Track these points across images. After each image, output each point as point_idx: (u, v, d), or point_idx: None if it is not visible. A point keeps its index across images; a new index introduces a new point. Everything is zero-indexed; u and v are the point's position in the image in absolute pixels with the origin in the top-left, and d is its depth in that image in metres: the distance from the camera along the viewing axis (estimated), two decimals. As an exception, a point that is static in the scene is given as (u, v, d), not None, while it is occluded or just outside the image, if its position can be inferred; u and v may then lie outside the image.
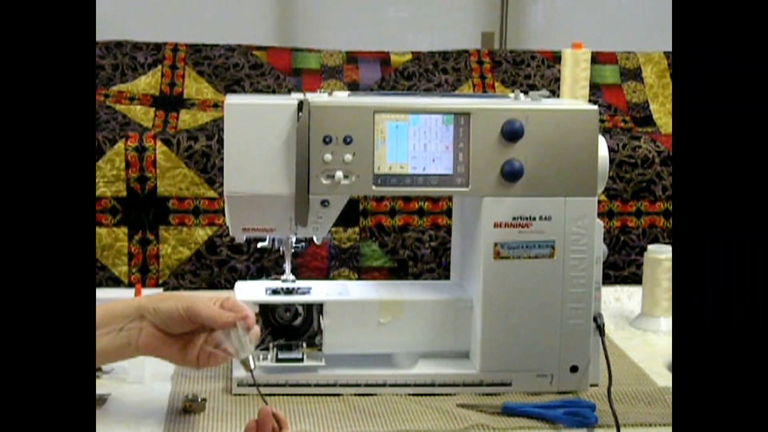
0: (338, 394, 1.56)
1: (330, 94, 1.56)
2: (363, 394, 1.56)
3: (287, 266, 1.61)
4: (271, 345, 1.57)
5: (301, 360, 1.57)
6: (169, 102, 2.70)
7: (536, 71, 2.89)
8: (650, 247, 1.95)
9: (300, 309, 1.59)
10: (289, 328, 1.59)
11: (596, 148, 1.57)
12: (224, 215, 1.60)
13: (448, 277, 1.81)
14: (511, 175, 1.53)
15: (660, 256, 1.92)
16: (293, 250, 1.60)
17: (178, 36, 2.89)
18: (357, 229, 2.39)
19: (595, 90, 2.84)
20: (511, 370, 1.58)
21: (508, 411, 1.50)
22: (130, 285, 2.28)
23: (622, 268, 2.45)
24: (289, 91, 2.66)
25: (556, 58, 2.88)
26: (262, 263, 2.35)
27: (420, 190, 1.56)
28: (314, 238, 1.59)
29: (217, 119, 2.62)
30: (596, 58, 2.86)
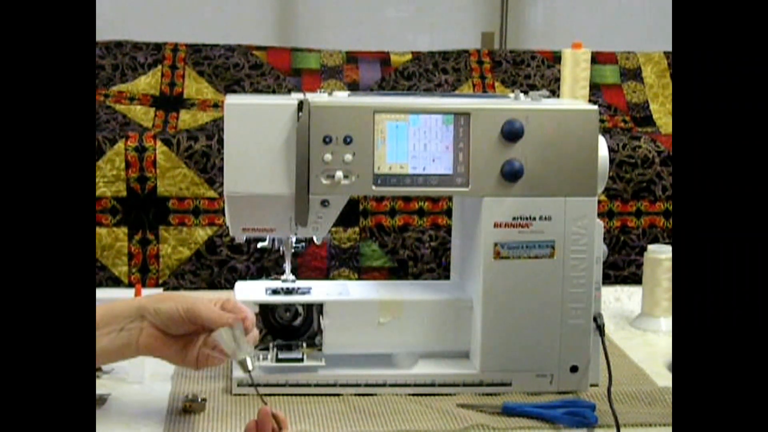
0: (338, 394, 1.56)
1: (330, 94, 1.56)
2: (363, 394, 1.56)
3: (287, 266, 1.61)
4: (271, 345, 1.57)
5: (301, 360, 1.57)
6: (169, 102, 2.70)
7: (536, 71, 2.89)
8: (650, 247, 1.95)
9: (300, 309, 1.59)
10: (289, 328, 1.59)
11: (596, 148, 1.57)
12: (224, 215, 1.60)
13: (448, 277, 1.81)
14: (511, 175, 1.53)
15: (660, 256, 1.92)
16: (293, 250, 1.60)
17: (178, 36, 2.89)
18: (357, 229, 2.39)
19: (595, 90, 2.84)
20: (511, 370, 1.58)
21: (508, 411, 1.50)
22: (130, 285, 2.28)
23: (622, 268, 2.46)
24: (289, 91, 2.66)
25: (556, 58, 2.88)
26: (262, 263, 2.35)
27: (420, 190, 1.56)
28: (314, 238, 1.59)
29: (217, 119, 2.62)
30: (596, 58, 2.86)
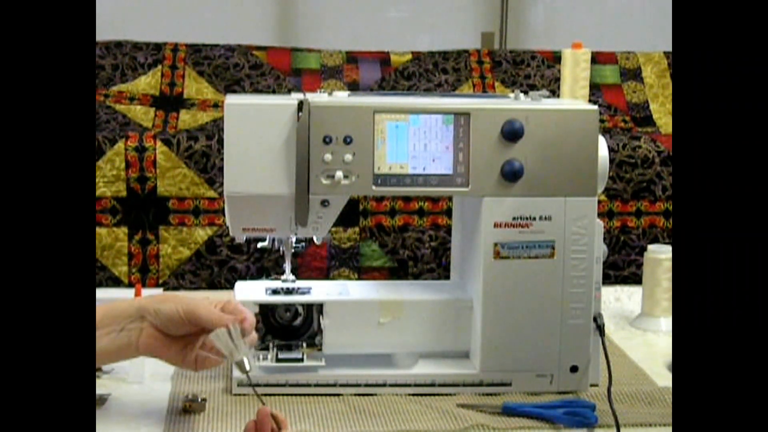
0: (338, 394, 1.56)
1: (330, 94, 1.56)
2: (363, 394, 1.56)
3: (287, 266, 1.61)
4: (271, 345, 1.57)
5: (301, 360, 1.57)
6: (169, 102, 2.70)
7: (536, 71, 2.89)
8: (650, 247, 1.95)
9: (300, 309, 1.59)
10: (289, 328, 1.59)
11: (596, 148, 1.57)
12: (224, 215, 1.60)
13: (448, 277, 1.81)
14: (511, 175, 1.53)
15: (660, 256, 1.92)
16: (293, 250, 1.60)
17: (178, 36, 2.89)
18: (357, 229, 2.39)
19: (595, 90, 2.84)
20: (511, 370, 1.58)
21: (508, 411, 1.50)
22: (130, 285, 2.28)
23: (622, 268, 2.46)
24: (289, 91, 2.66)
25: (556, 58, 2.88)
26: (262, 263, 2.35)
27: (420, 190, 1.56)
28: (314, 238, 1.59)
29: (217, 119, 2.62)
30: (596, 58, 2.86)
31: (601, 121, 2.70)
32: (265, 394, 1.52)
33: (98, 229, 2.29)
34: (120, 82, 2.72)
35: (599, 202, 1.61)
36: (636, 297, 2.03)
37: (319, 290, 1.62)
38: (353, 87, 2.77)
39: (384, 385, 1.57)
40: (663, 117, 2.84)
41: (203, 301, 1.40)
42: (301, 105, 1.51)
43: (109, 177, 2.29)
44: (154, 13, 3.19)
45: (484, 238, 1.55)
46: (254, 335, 1.40)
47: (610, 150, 1.95)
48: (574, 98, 1.85)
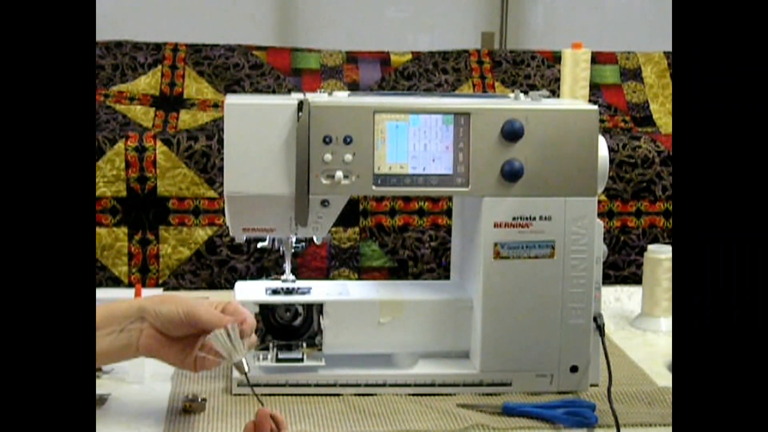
0: (338, 394, 1.56)
1: (330, 94, 1.56)
2: (363, 394, 1.56)
3: (287, 266, 1.61)
4: (271, 345, 1.57)
5: (301, 360, 1.57)
6: (169, 102, 2.70)
7: (536, 71, 2.89)
8: (650, 247, 1.95)
9: (300, 309, 1.59)
10: (289, 328, 1.59)
11: (596, 148, 1.57)
12: (224, 215, 1.60)
13: (448, 277, 1.81)
14: (511, 175, 1.53)
15: (660, 256, 1.92)
16: (293, 250, 1.60)
17: (178, 36, 2.89)
18: (357, 229, 2.39)
19: (595, 90, 2.84)
20: (511, 370, 1.58)
21: (508, 411, 1.50)
22: (130, 285, 2.28)
23: (622, 268, 2.46)
24: (289, 91, 2.66)
25: (556, 58, 2.88)
26: (262, 263, 2.35)
27: (420, 190, 1.56)
28: (314, 238, 1.59)
29: (217, 119, 2.62)
30: (596, 58, 2.86)
31: (601, 121, 2.70)
32: (265, 394, 1.52)
33: (98, 229, 2.29)
34: (120, 82, 2.72)
35: (599, 202, 1.61)
36: (636, 297, 2.03)
37: (319, 290, 1.62)
38: (353, 87, 2.77)
39: (384, 385, 1.57)
40: (663, 117, 2.84)
41: (203, 302, 1.40)
42: (301, 105, 1.51)
43: (109, 177, 2.29)
44: (154, 13, 3.19)
45: (484, 238, 1.55)
46: (254, 337, 1.40)
47: (610, 150, 1.95)
48: (574, 98, 1.85)
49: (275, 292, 1.60)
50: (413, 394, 1.56)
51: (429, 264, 2.41)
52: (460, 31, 3.37)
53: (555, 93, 1.87)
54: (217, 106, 2.68)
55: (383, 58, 2.88)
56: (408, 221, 2.40)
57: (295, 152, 1.50)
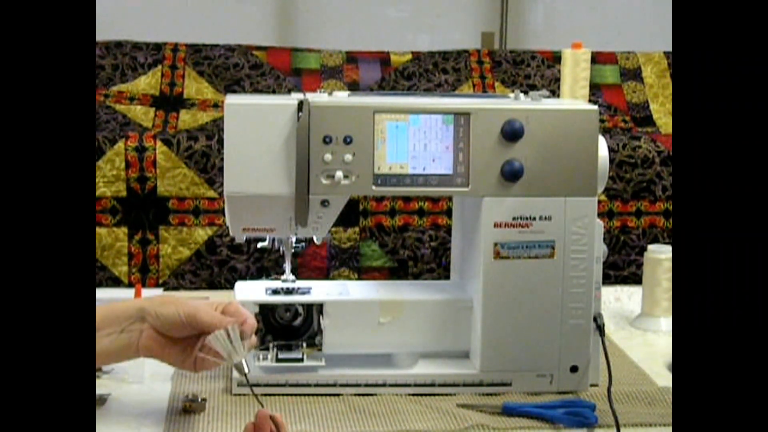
0: (338, 394, 1.56)
1: (330, 94, 1.56)
2: (363, 394, 1.56)
3: (287, 266, 1.61)
4: (271, 345, 1.57)
5: (301, 360, 1.57)
6: (169, 102, 2.70)
7: (536, 71, 2.89)
8: (650, 247, 1.95)
9: (300, 309, 1.59)
10: (289, 328, 1.59)
11: (596, 148, 1.57)
12: (224, 215, 1.60)
13: (448, 277, 1.81)
14: (511, 175, 1.53)
15: (660, 256, 1.92)
16: (293, 250, 1.60)
17: (178, 36, 2.89)
18: (357, 229, 2.39)
19: (595, 90, 2.84)
20: (511, 370, 1.58)
21: (508, 411, 1.50)
22: (130, 285, 2.28)
23: (622, 268, 2.46)
24: (289, 91, 2.66)
25: (556, 58, 2.88)
26: (262, 263, 2.35)
27: (420, 190, 1.56)
28: (314, 238, 1.59)
29: (217, 119, 2.62)
30: (596, 58, 2.86)
31: (601, 121, 2.71)
32: (265, 394, 1.52)
33: (98, 229, 2.29)
34: (120, 82, 2.72)
35: (599, 202, 1.61)
36: (636, 297, 2.03)
37: (319, 290, 1.62)
38: (353, 87, 2.77)
39: (384, 385, 1.57)
40: (663, 117, 2.84)
41: (204, 304, 1.40)
42: (301, 105, 1.51)
43: (109, 177, 2.29)
44: (154, 13, 3.19)
45: (484, 238, 1.55)
46: (254, 339, 1.40)
47: (610, 150, 1.95)
48: (574, 98, 1.85)
49: (275, 292, 1.60)
50: (413, 394, 1.56)
51: (429, 264, 2.41)
52: (460, 31, 3.37)
53: (555, 93, 1.87)
54: (217, 106, 2.68)
55: (383, 58, 2.88)
56: (408, 221, 2.40)
57: (295, 152, 1.50)
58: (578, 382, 1.59)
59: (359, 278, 2.38)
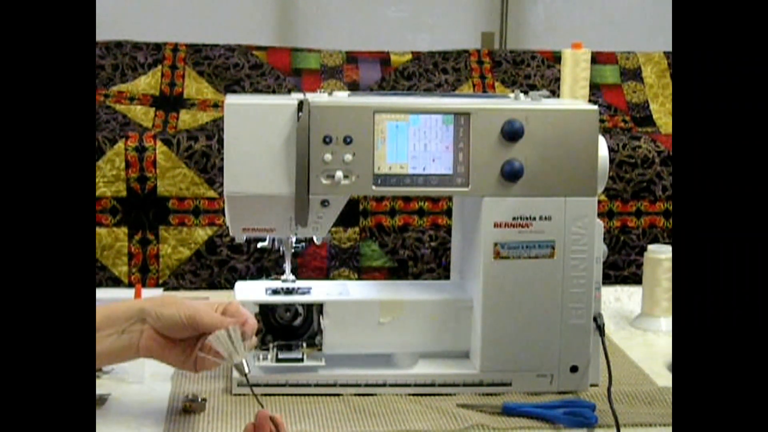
0: (338, 394, 1.56)
1: (330, 94, 1.56)
2: (363, 394, 1.56)
3: (287, 266, 1.61)
4: (271, 345, 1.57)
5: (301, 360, 1.57)
6: (169, 102, 2.70)
7: (536, 71, 2.89)
8: (650, 247, 1.95)
9: (300, 309, 1.59)
10: (289, 328, 1.59)
11: (596, 148, 1.57)
12: (224, 215, 1.60)
13: (448, 277, 1.81)
14: (511, 175, 1.53)
15: (660, 256, 1.92)
16: (293, 250, 1.60)
17: (178, 36, 2.89)
18: (357, 229, 2.39)
19: (595, 90, 2.84)
20: (511, 370, 1.58)
21: (508, 411, 1.50)
22: (130, 285, 2.28)
23: (622, 268, 2.46)
24: (289, 91, 2.66)
25: (556, 58, 2.88)
26: (262, 263, 2.35)
27: (420, 190, 1.56)
28: (314, 238, 1.59)
29: (217, 119, 2.62)
30: (596, 58, 2.86)
31: (601, 121, 2.70)
32: (265, 394, 1.52)
33: (98, 229, 2.29)
34: (120, 82, 2.72)
35: (599, 202, 1.61)
36: (636, 297, 2.03)
37: (319, 290, 1.62)
38: (353, 87, 2.77)
39: (384, 385, 1.57)
40: (663, 117, 2.84)
41: (204, 304, 1.39)
42: (301, 105, 1.51)
43: (109, 177, 2.29)
44: (154, 13, 3.19)
45: (484, 238, 1.55)
46: (254, 339, 1.40)
47: (610, 150, 1.95)
48: (574, 98, 1.85)
49: (275, 292, 1.60)
50: (413, 394, 1.56)
51: (429, 264, 2.41)
52: (460, 31, 3.37)
53: (555, 93, 1.88)
54: (217, 106, 2.68)
55: (383, 58, 2.88)
56: (408, 221, 2.40)
57: (295, 152, 1.50)
58: (578, 382, 1.59)
59: (359, 278, 2.38)
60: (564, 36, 3.06)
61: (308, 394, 1.55)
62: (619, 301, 2.10)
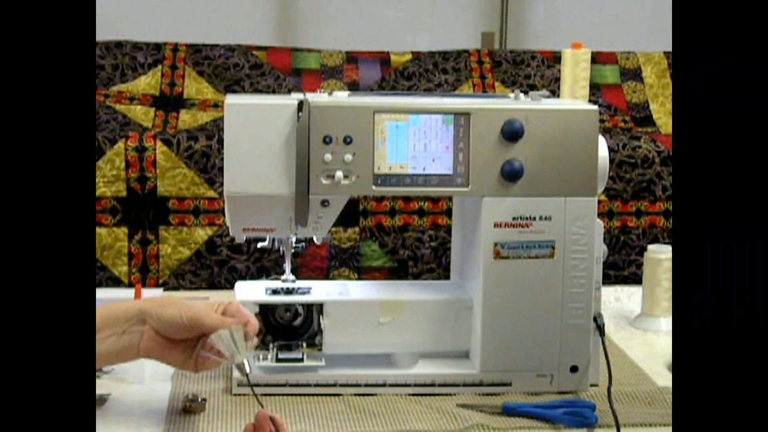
0: (338, 394, 1.56)
1: (330, 94, 1.56)
2: (363, 394, 1.56)
3: (287, 266, 1.61)
4: (271, 345, 1.57)
5: (301, 360, 1.57)
6: (169, 102, 2.70)
7: (536, 71, 2.89)
8: (650, 247, 1.95)
9: (300, 309, 1.59)
10: (289, 328, 1.59)
11: (596, 148, 1.57)
12: (224, 215, 1.60)
13: (448, 277, 1.81)
14: (511, 175, 1.53)
15: (660, 256, 1.92)
16: (293, 250, 1.60)
17: (178, 36, 2.89)
18: (357, 229, 2.39)
19: (595, 90, 2.84)
20: (511, 370, 1.58)
21: (508, 411, 1.50)
22: (130, 285, 2.28)
23: (622, 268, 2.46)
24: (289, 91, 2.66)
25: (556, 58, 2.88)
26: (262, 263, 2.35)
27: (420, 190, 1.56)
28: (314, 238, 1.59)
29: (217, 119, 2.62)
30: (596, 58, 2.86)
31: (601, 121, 2.71)
32: (265, 394, 1.52)
33: (98, 229, 2.29)
34: (120, 82, 2.72)
35: (599, 202, 1.61)
36: (636, 297, 2.03)
37: (319, 290, 1.62)
38: (353, 87, 2.77)
39: (384, 385, 1.57)
40: (663, 117, 2.85)
41: (205, 305, 1.39)
42: (301, 105, 1.51)
43: (109, 177, 2.29)
44: (154, 13, 3.19)
45: (484, 238, 1.55)
46: (255, 340, 1.40)
47: (610, 150, 1.95)
48: (574, 98, 1.85)
49: (275, 292, 1.60)
50: (413, 394, 1.56)
51: (429, 264, 2.41)
52: (460, 31, 3.37)
53: (555, 93, 1.88)
54: (217, 106, 2.68)
55: (383, 58, 2.88)
56: (408, 221, 2.40)
57: (295, 152, 1.50)
58: (578, 382, 1.59)
59: (359, 278, 2.38)
60: (564, 36, 3.06)
61: (308, 394, 1.55)
62: (619, 301, 2.10)
